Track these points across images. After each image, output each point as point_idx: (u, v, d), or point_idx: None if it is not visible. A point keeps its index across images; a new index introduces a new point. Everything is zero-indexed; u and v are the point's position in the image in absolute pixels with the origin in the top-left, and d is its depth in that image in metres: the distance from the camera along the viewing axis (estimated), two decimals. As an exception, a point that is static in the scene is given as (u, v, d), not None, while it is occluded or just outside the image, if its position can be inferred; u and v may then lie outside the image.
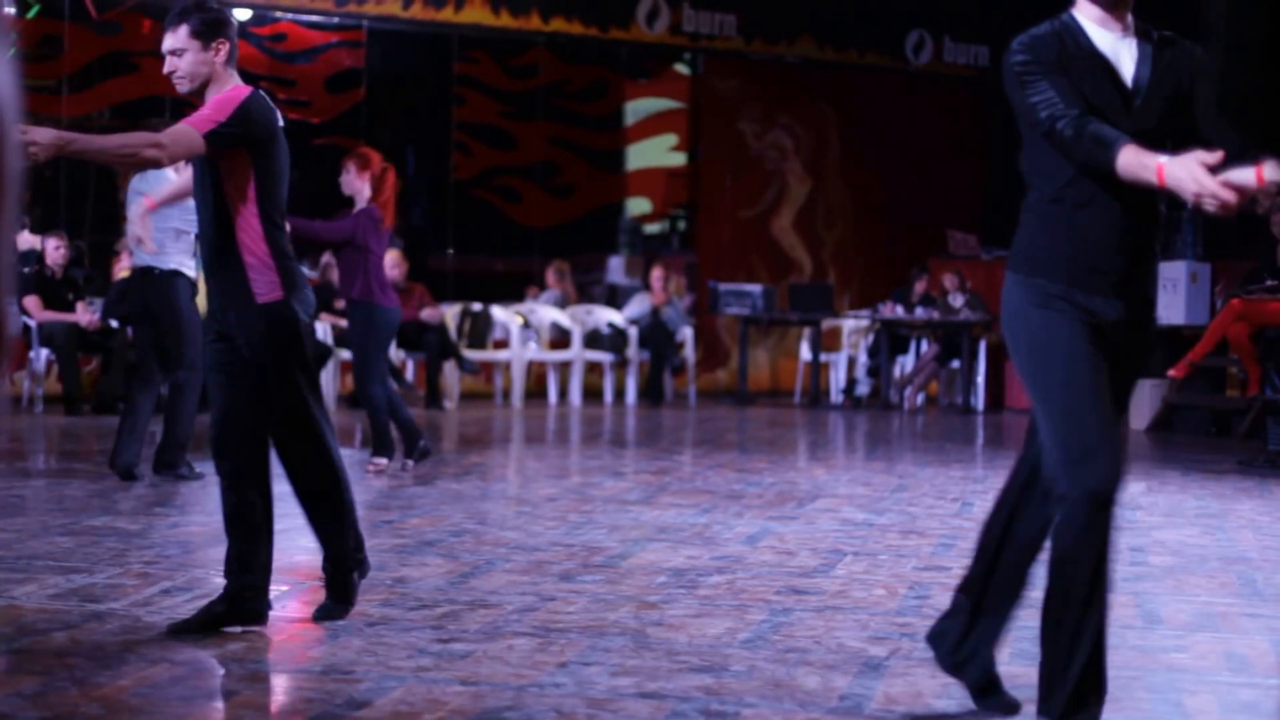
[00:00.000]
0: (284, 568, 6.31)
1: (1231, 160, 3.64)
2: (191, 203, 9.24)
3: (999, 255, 18.12)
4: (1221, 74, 15.88)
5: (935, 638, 4.33)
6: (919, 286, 17.75)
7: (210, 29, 5.15)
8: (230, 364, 5.15)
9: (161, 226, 9.23)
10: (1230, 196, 3.58)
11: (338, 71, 17.74)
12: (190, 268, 9.26)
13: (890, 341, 17.31)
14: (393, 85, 19.10)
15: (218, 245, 5.13)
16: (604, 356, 16.98)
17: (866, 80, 20.18)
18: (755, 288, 17.74)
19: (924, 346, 17.49)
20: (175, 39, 5.17)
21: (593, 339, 17.00)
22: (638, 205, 20.96)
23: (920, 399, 17.35)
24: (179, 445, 9.17)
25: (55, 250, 14.05)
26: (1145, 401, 14.76)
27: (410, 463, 10.00)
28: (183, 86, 5.19)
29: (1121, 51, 3.96)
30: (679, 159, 20.30)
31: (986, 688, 4.25)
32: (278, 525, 5.24)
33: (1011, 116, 3.98)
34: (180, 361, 9.15)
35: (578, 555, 6.72)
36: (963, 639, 4.22)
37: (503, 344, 16.78)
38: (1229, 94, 16.52)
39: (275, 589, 5.38)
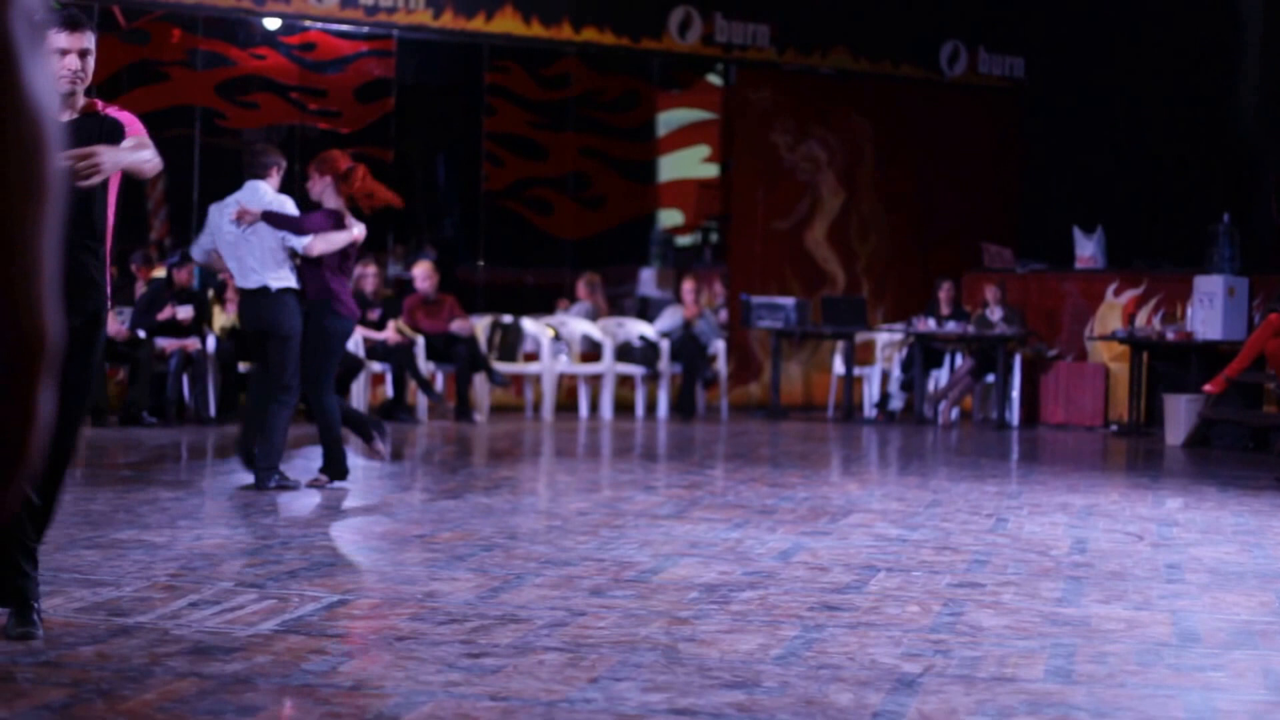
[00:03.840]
0: (316, 579, 6.28)
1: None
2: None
3: (1034, 269, 17.95)
4: (1260, 74, 15.73)
5: None
6: (942, 295, 17.52)
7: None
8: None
9: (268, 245, 9.32)
10: None
11: (368, 81, 17.73)
12: (295, 283, 9.39)
13: (924, 355, 17.20)
14: (423, 95, 19.09)
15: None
16: (635, 370, 16.92)
17: (901, 92, 20.10)
18: (788, 301, 17.65)
19: (958, 360, 17.38)
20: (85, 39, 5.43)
21: (624, 352, 16.95)
22: (670, 217, 20.91)
23: (955, 414, 17.24)
24: (277, 456, 9.27)
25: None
26: (1181, 417, 14.64)
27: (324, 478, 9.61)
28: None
29: None
30: (711, 170, 20.24)
31: None
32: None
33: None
34: (280, 380, 9.19)
35: (609, 570, 6.67)
36: None
37: (533, 357, 16.74)
38: (1271, 95, 16.38)
39: (316, 602, 5.31)
